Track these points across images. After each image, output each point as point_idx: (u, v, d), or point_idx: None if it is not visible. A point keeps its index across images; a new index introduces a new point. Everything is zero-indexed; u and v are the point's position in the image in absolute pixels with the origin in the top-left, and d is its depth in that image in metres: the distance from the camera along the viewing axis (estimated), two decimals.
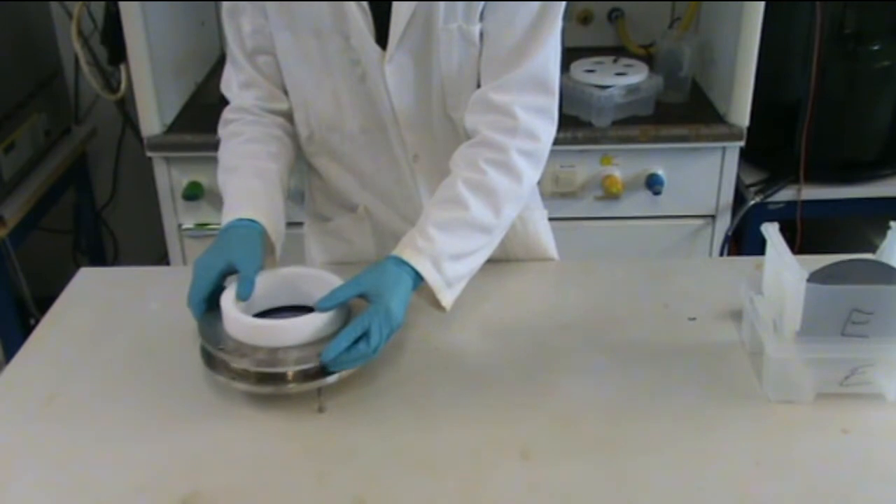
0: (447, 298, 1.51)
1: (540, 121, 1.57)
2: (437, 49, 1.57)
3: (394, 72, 1.58)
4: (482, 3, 1.53)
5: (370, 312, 1.39)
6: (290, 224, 1.67)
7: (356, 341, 1.37)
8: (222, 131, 1.70)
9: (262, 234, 1.54)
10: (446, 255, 1.48)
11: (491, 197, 1.53)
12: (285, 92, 1.70)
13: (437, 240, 1.48)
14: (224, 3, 1.66)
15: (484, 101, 1.57)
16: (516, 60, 1.55)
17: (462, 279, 1.54)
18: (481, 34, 1.57)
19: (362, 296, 1.42)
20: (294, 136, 1.73)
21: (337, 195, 1.80)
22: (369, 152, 1.70)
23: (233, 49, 1.67)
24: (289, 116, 1.72)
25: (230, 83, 1.71)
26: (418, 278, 1.47)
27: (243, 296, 1.43)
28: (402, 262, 1.46)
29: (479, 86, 1.60)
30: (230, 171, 1.63)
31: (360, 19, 1.54)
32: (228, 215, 1.55)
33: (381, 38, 1.56)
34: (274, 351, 1.36)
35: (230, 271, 1.47)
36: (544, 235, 1.86)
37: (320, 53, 1.60)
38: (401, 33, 1.54)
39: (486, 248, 1.56)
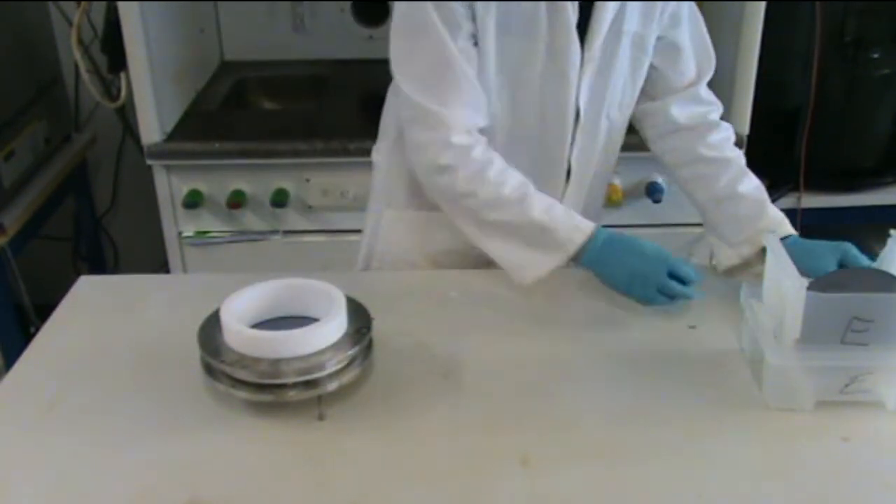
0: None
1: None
2: (616, 53, 1.67)
3: (588, 73, 1.65)
4: (658, 9, 1.68)
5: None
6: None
7: None
8: (464, 161, 1.61)
9: None
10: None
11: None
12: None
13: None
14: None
15: (695, 97, 1.79)
16: (709, 61, 1.78)
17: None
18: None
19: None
20: None
21: None
22: (529, 150, 1.73)
23: (450, 59, 1.59)
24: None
25: (433, 106, 1.60)
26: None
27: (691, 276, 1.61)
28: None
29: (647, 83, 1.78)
30: (522, 199, 1.62)
31: (571, 21, 1.60)
32: (585, 231, 1.62)
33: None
34: (276, 362, 1.36)
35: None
36: None
37: (511, 51, 1.63)
38: (603, 36, 1.63)
39: None
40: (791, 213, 2.64)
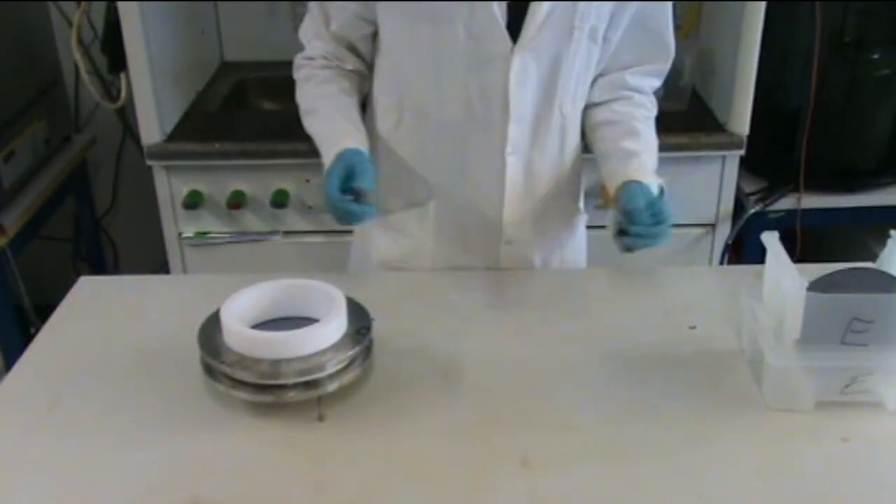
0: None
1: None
2: (569, 47, 1.64)
3: (520, 65, 1.62)
4: (614, 2, 1.64)
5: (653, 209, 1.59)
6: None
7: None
8: (296, 75, 1.80)
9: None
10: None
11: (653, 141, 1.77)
12: (357, 56, 1.77)
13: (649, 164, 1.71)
14: None
15: (621, 84, 1.77)
16: (665, 54, 1.77)
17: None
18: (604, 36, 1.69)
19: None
20: (361, 84, 1.80)
21: (409, 188, 1.80)
22: (461, 143, 1.72)
23: (323, 4, 1.74)
24: (355, 73, 1.78)
25: (307, 30, 1.79)
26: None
27: (368, 185, 1.58)
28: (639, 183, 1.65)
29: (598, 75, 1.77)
30: (311, 112, 1.75)
31: (494, 10, 1.58)
32: (335, 147, 1.64)
33: (512, 30, 1.60)
34: (276, 363, 1.36)
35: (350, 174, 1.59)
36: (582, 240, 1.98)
37: (434, 40, 1.63)
38: (538, 28, 1.59)
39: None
40: (791, 214, 2.66)
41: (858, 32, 2.52)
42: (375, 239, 1.87)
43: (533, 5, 1.59)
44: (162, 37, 2.56)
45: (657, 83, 1.83)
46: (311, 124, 1.74)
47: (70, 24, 2.84)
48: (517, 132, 1.70)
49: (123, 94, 2.82)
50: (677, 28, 2.97)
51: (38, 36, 2.91)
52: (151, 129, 2.55)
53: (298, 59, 1.80)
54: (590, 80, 1.75)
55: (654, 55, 1.78)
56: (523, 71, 1.64)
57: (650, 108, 1.80)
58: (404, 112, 1.73)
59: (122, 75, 2.75)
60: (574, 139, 1.80)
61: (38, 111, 2.81)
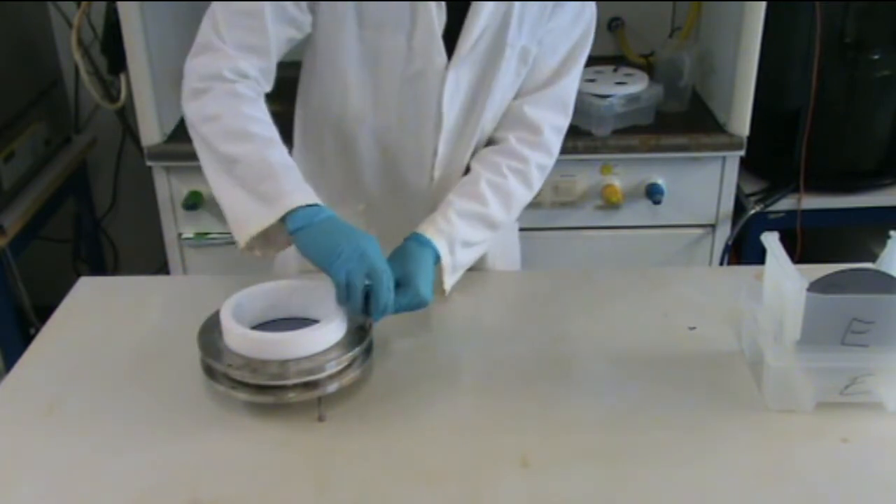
0: (449, 282, 1.61)
1: (557, 139, 1.72)
2: (499, 64, 1.62)
3: (454, 79, 1.61)
4: (545, 19, 1.61)
5: (402, 295, 1.46)
6: None
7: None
8: (221, 87, 1.52)
9: None
10: (460, 240, 1.59)
11: (507, 199, 1.67)
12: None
13: (457, 225, 1.60)
14: None
15: (517, 115, 1.69)
16: (552, 80, 1.68)
17: (463, 268, 1.64)
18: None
19: (396, 284, 1.47)
20: None
21: (338, 193, 1.77)
22: (393, 152, 1.70)
23: (244, 6, 1.52)
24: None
25: (241, 39, 1.54)
26: (437, 257, 1.56)
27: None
28: (423, 240, 1.56)
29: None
30: (267, 141, 1.50)
31: (434, 22, 1.56)
32: (306, 197, 1.46)
33: (447, 44, 1.59)
34: (276, 364, 1.36)
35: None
36: (511, 243, 1.92)
37: (372, 46, 1.60)
38: (472, 43, 1.58)
39: (487, 243, 1.68)
40: (791, 214, 2.66)
41: (858, 33, 2.53)
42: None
43: (470, 16, 1.56)
44: (162, 37, 2.56)
45: (561, 121, 1.70)
46: (264, 150, 1.50)
47: (70, 24, 2.84)
48: (446, 148, 1.68)
49: (123, 94, 2.82)
50: (676, 30, 3.00)
51: (38, 36, 2.91)
52: (151, 130, 2.55)
53: (226, 73, 1.52)
54: (511, 98, 1.69)
55: (549, 78, 1.67)
56: (456, 85, 1.62)
57: (526, 162, 1.68)
58: (345, 114, 1.68)
59: (122, 76, 2.75)
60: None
61: (38, 112, 2.81)
